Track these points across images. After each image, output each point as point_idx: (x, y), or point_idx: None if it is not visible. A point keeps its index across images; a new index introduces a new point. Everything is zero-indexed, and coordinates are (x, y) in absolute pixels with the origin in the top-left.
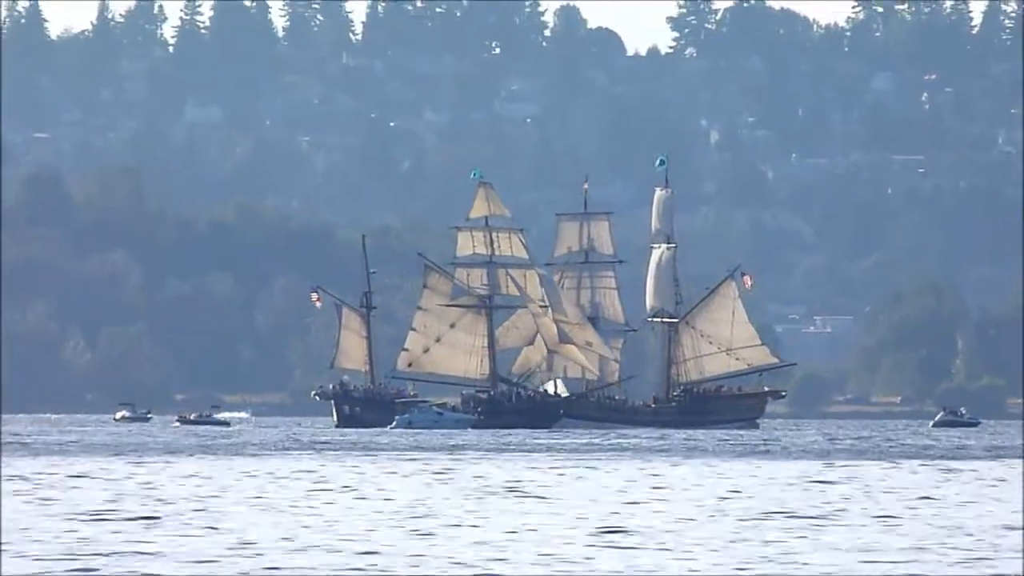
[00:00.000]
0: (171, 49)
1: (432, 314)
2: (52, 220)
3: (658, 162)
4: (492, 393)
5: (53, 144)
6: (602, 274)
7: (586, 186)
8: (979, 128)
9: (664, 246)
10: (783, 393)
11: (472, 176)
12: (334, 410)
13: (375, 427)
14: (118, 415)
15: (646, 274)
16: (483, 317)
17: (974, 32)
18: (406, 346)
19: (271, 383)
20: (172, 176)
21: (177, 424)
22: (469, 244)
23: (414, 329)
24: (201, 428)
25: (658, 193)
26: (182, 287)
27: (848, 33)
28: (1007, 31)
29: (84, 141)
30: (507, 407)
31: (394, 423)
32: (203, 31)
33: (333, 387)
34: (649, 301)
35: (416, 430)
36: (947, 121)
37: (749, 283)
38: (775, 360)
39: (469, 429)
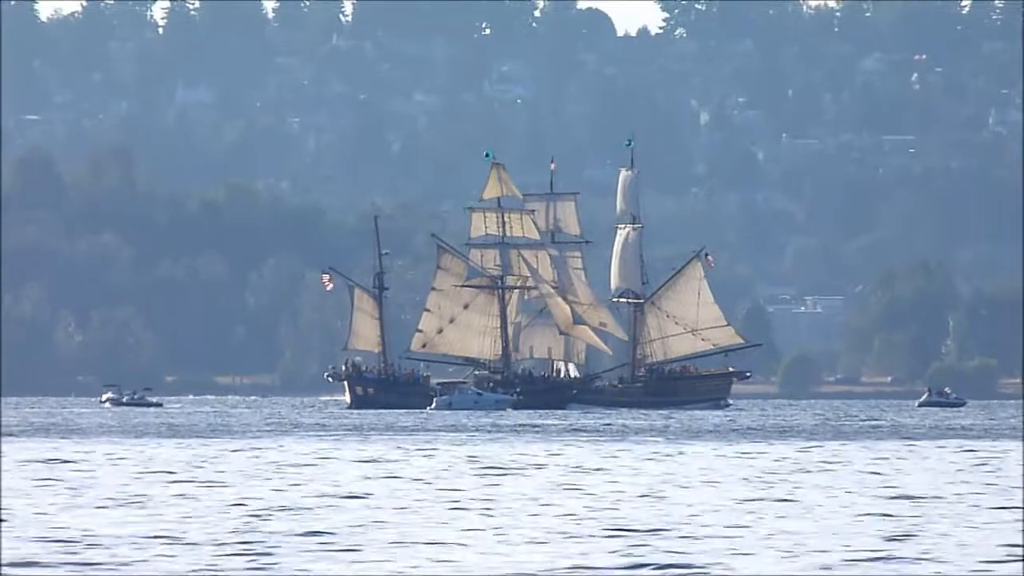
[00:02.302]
0: (161, 31)
1: (446, 295)
2: (43, 203)
3: (626, 142)
4: (505, 374)
5: (44, 127)
6: (568, 254)
7: (553, 166)
8: (970, 108)
9: (630, 227)
10: (748, 374)
11: (485, 157)
12: (347, 391)
13: (390, 408)
14: (103, 397)
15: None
16: (496, 298)
17: (964, 12)
18: (420, 327)
19: (263, 364)
20: (163, 157)
21: (108, 406)
22: (482, 225)
23: (428, 310)
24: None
25: (623, 174)
26: (173, 268)
27: (838, 14)
28: (997, 11)
29: (75, 123)
30: (533, 388)
31: (433, 404)
32: (193, 13)
33: (346, 368)
34: (614, 282)
35: (461, 410)
36: (937, 102)
37: (712, 264)
38: (740, 340)
39: (510, 410)
